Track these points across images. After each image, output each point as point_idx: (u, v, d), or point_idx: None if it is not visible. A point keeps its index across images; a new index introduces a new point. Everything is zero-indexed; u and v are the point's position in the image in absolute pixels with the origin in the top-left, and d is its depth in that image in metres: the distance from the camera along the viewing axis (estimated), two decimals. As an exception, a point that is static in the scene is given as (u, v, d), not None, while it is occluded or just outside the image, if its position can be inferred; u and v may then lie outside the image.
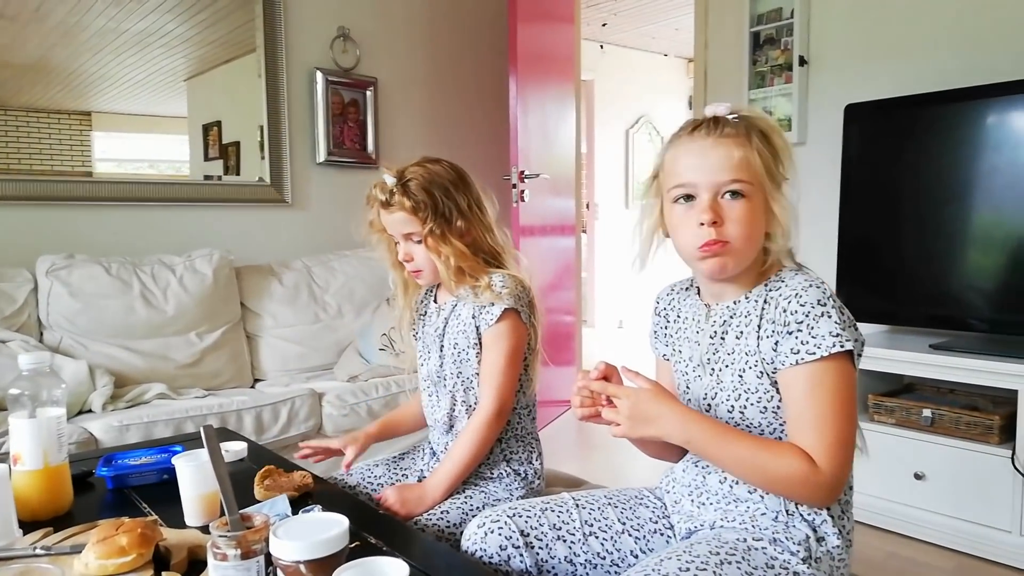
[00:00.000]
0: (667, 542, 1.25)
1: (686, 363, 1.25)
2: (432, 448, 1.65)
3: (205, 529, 1.12)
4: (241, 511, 0.95)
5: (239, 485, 1.19)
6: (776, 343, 1.09)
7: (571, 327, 4.21)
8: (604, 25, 6.53)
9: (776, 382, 1.11)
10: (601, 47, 6.96)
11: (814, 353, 1.05)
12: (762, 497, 1.12)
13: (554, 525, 1.24)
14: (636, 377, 1.13)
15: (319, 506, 1.20)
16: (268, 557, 0.91)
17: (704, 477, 1.20)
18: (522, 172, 3.48)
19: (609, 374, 1.15)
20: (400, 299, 1.67)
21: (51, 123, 2.87)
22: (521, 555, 1.20)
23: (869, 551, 2.36)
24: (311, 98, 3.45)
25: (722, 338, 1.18)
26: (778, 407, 1.11)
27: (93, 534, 1.00)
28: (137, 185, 3.02)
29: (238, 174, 3.31)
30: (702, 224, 1.09)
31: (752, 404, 1.13)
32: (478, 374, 1.53)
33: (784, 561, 1.07)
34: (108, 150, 3.05)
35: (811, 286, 1.08)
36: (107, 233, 2.94)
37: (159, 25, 3.02)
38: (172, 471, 1.25)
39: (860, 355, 1.09)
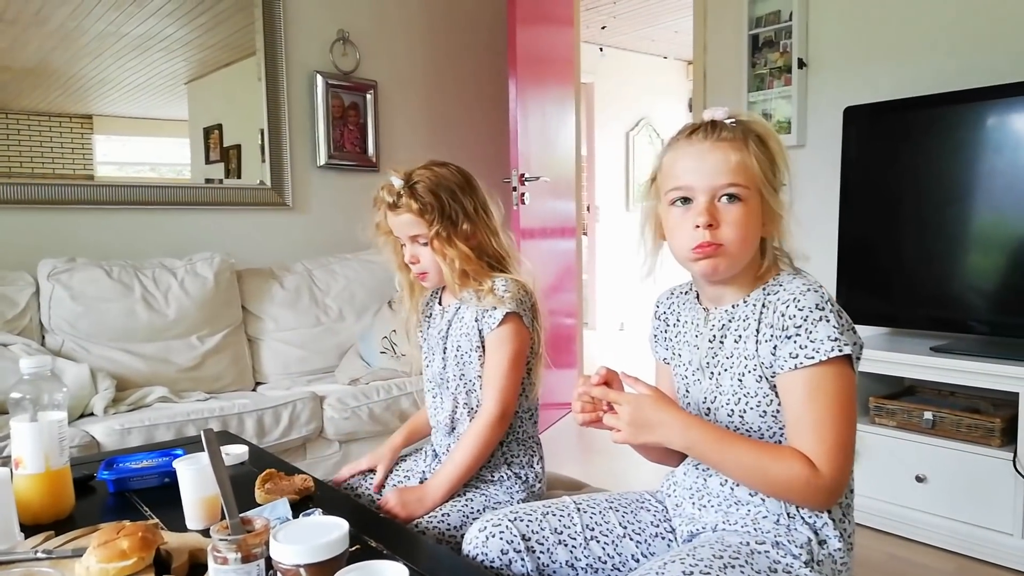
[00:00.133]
0: (668, 546, 1.25)
1: (685, 367, 1.25)
2: (434, 450, 1.66)
3: (206, 533, 1.12)
4: (242, 515, 0.95)
5: (240, 488, 1.19)
6: (775, 347, 1.09)
7: (572, 329, 4.21)
8: (603, 28, 6.54)
9: (775, 386, 1.11)
10: (601, 50, 6.96)
11: (812, 357, 1.05)
12: (763, 500, 1.12)
13: (555, 529, 1.24)
14: (636, 383, 1.13)
15: (320, 510, 1.20)
16: (269, 561, 0.92)
17: (705, 480, 1.21)
18: (522, 175, 3.48)
19: (610, 379, 1.15)
20: (407, 301, 1.68)
21: (52, 126, 2.88)
22: (522, 559, 1.20)
23: (870, 553, 2.36)
24: (311, 101, 3.46)
25: (721, 342, 1.18)
26: (778, 411, 1.12)
27: (94, 538, 1.00)
28: (138, 188, 3.03)
29: (239, 177, 3.31)
30: (698, 226, 1.09)
31: (751, 408, 1.13)
32: (480, 377, 1.54)
33: (787, 564, 1.07)
34: (109, 153, 3.06)
35: (809, 290, 1.08)
36: (108, 236, 2.94)
37: (159, 29, 3.03)
38: (173, 474, 1.25)
39: (859, 358, 1.09)
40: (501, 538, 1.21)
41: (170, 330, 2.70)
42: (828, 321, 1.05)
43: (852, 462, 1.08)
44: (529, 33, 3.59)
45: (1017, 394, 2.19)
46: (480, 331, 1.52)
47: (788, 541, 1.09)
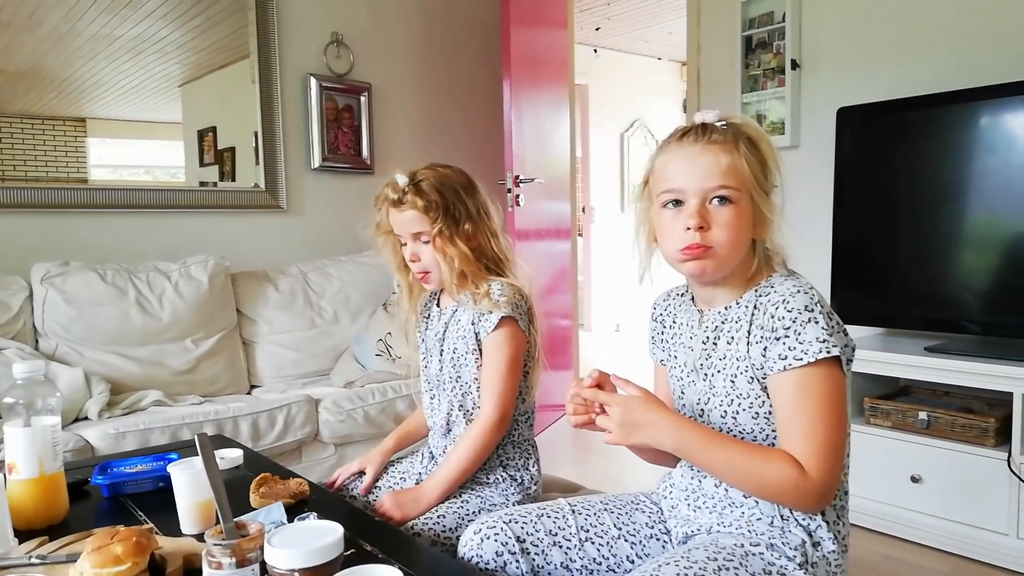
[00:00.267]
0: (663, 547, 1.26)
1: (681, 368, 1.25)
2: (431, 452, 1.66)
3: (201, 537, 1.12)
4: (236, 519, 0.95)
5: (235, 492, 1.19)
6: (765, 349, 1.10)
7: (568, 331, 4.22)
8: (597, 29, 6.55)
9: (767, 387, 1.11)
10: (595, 51, 6.97)
11: (801, 359, 1.05)
12: (757, 502, 1.12)
13: (550, 531, 1.24)
14: (627, 385, 1.14)
15: (315, 513, 1.20)
16: (263, 565, 0.92)
17: (700, 481, 1.21)
18: (517, 177, 3.48)
19: (602, 382, 1.16)
20: (405, 302, 1.69)
21: (46, 129, 2.87)
22: (517, 561, 1.20)
23: (865, 554, 2.36)
24: (305, 104, 3.45)
25: (714, 344, 1.18)
26: (770, 413, 1.12)
27: (88, 543, 1.00)
28: (132, 191, 3.02)
29: (233, 180, 3.30)
30: (688, 228, 1.10)
31: (744, 410, 1.13)
32: (476, 379, 1.54)
33: (781, 567, 1.08)
34: (103, 156, 3.05)
35: (799, 292, 1.09)
36: (102, 240, 2.93)
37: (153, 31, 3.02)
38: (168, 479, 1.25)
39: (850, 361, 1.09)
40: (496, 540, 1.21)
41: (164, 333, 2.69)
42: (817, 323, 1.06)
43: (842, 464, 1.09)
44: (523, 35, 3.59)
45: (1011, 394, 2.20)
46: (476, 334, 1.53)
47: (782, 543, 1.09)
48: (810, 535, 1.10)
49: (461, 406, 1.57)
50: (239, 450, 1.60)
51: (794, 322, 1.06)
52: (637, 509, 1.30)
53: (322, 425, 2.58)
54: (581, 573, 1.22)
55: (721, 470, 1.11)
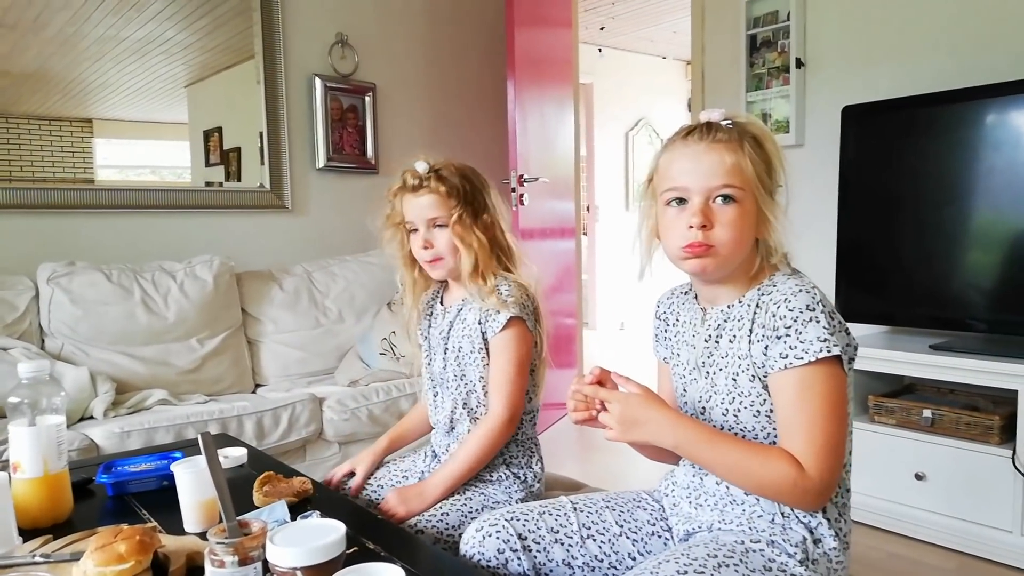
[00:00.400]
0: (665, 544, 1.26)
1: (683, 366, 1.26)
2: (434, 450, 1.66)
3: (204, 536, 1.13)
4: (239, 517, 0.96)
5: (239, 491, 1.20)
6: (766, 347, 1.10)
7: (572, 329, 4.22)
8: (602, 29, 6.54)
9: (768, 386, 1.11)
10: (599, 50, 6.97)
11: (802, 358, 1.05)
12: (758, 499, 1.13)
13: (552, 528, 1.24)
14: (627, 382, 1.15)
15: (318, 512, 1.20)
16: (266, 564, 0.92)
17: (701, 479, 1.21)
18: (521, 176, 3.49)
19: (603, 379, 1.16)
20: (408, 298, 1.69)
21: (52, 130, 2.88)
22: (519, 558, 1.21)
23: (870, 551, 2.36)
24: (310, 104, 3.46)
25: (716, 342, 1.18)
26: (771, 411, 1.12)
27: (92, 541, 1.00)
28: (138, 192, 3.03)
29: (239, 180, 3.32)
30: (691, 227, 1.10)
31: (745, 408, 1.13)
32: (482, 378, 1.54)
33: (782, 563, 1.08)
34: (109, 157, 3.06)
35: (801, 291, 1.09)
36: (108, 240, 2.94)
37: (158, 32, 3.03)
38: (172, 478, 1.26)
39: (852, 360, 1.09)
40: (498, 537, 1.22)
41: (170, 333, 2.70)
42: (818, 322, 1.06)
43: (842, 463, 1.09)
44: (527, 34, 3.59)
45: (1016, 391, 2.19)
46: (483, 333, 1.53)
47: (783, 540, 1.09)
48: (811, 532, 1.10)
49: (465, 404, 1.57)
50: (243, 449, 1.61)
51: (795, 321, 1.06)
52: (639, 507, 1.30)
53: (326, 424, 2.58)
54: (583, 570, 1.23)
55: (720, 467, 1.11)
